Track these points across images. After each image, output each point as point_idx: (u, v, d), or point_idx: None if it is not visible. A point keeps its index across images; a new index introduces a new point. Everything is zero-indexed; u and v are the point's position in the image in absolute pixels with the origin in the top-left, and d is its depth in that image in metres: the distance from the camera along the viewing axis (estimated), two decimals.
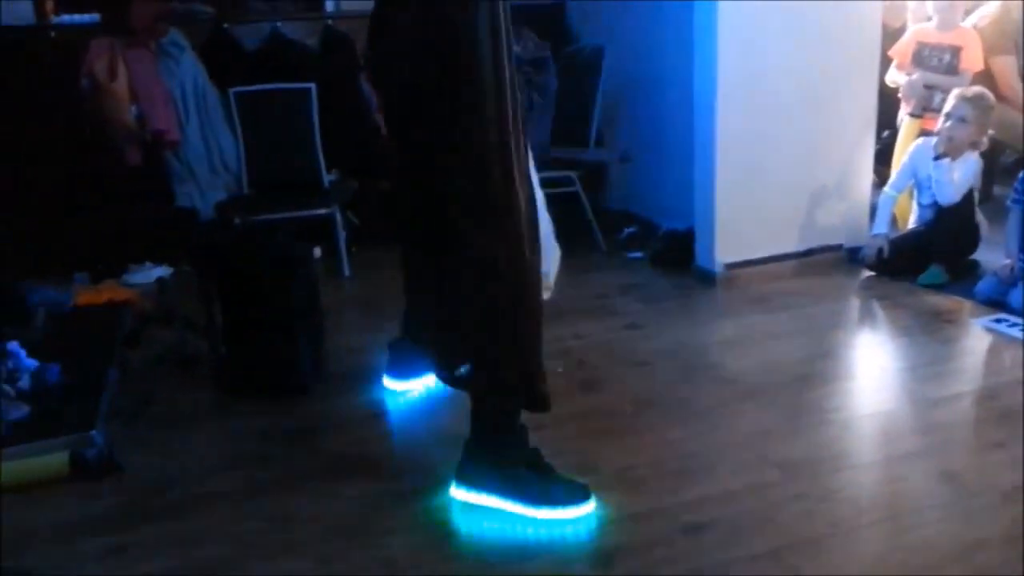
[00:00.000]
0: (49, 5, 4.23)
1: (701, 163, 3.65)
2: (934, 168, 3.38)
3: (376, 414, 2.64)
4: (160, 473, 2.31)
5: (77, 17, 4.19)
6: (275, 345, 2.75)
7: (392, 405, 2.69)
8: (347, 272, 4.04)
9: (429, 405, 2.66)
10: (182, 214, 4.10)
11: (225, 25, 4.32)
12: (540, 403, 2.04)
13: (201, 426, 2.60)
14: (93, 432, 2.35)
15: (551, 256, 2.17)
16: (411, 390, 2.74)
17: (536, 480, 2.04)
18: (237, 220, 3.80)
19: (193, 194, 4.15)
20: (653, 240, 4.16)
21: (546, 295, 2.12)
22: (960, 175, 3.28)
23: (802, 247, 3.75)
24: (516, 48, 5.03)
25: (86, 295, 3.60)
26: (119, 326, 3.17)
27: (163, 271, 4.10)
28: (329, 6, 4.69)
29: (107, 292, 3.66)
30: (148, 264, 4.13)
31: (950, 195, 3.32)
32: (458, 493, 2.10)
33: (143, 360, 3.07)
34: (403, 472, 2.27)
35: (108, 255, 4.04)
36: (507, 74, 1.88)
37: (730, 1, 3.37)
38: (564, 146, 4.33)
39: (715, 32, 3.41)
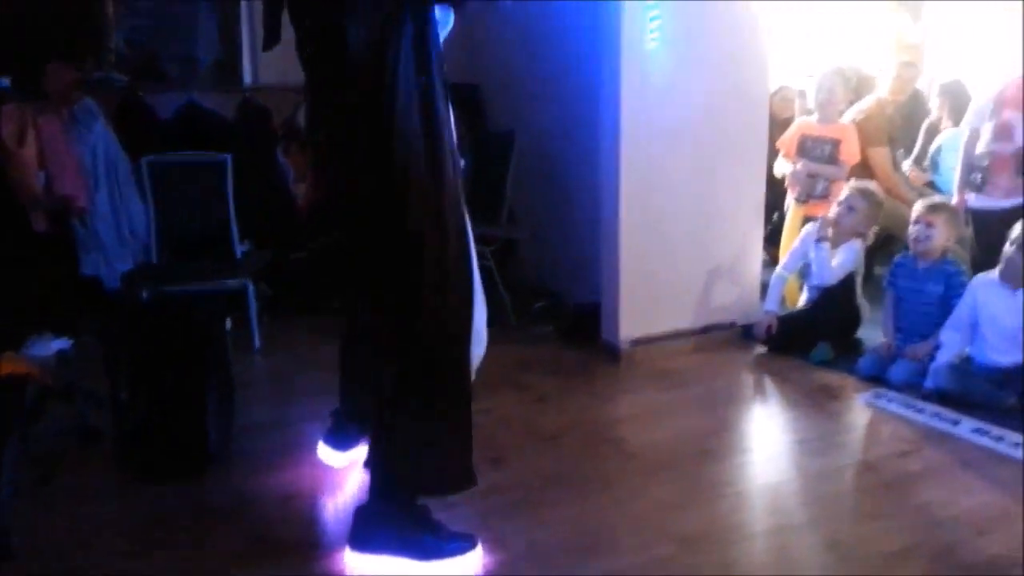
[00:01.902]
0: None
1: (606, 244, 3.84)
2: (815, 249, 3.65)
3: (288, 495, 2.59)
4: (59, 558, 2.24)
5: None
6: (184, 421, 2.71)
7: (305, 484, 2.65)
8: (258, 344, 4.02)
9: (345, 481, 2.66)
10: (86, 283, 4.02)
11: (140, 93, 4.33)
12: (466, 480, 2.12)
13: (104, 506, 2.53)
14: None
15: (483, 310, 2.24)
16: (342, 463, 2.70)
17: (428, 536, 2.12)
18: (144, 292, 3.75)
19: (99, 262, 4.09)
20: (562, 314, 4.31)
21: (481, 350, 2.22)
22: (840, 260, 3.56)
23: (700, 324, 3.96)
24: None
25: None
26: (20, 401, 3.07)
27: (63, 343, 3.98)
28: (247, 78, 4.76)
29: (6, 364, 3.53)
30: (48, 335, 4.01)
31: (827, 277, 3.58)
32: (353, 558, 2.14)
33: (43, 436, 2.98)
34: (314, 556, 2.25)
35: (7, 325, 3.91)
36: (444, 146, 1.96)
37: (632, 96, 3.61)
38: (477, 222, 4.45)
39: (619, 123, 3.64)
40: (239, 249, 4.25)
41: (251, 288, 4.01)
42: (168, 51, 4.69)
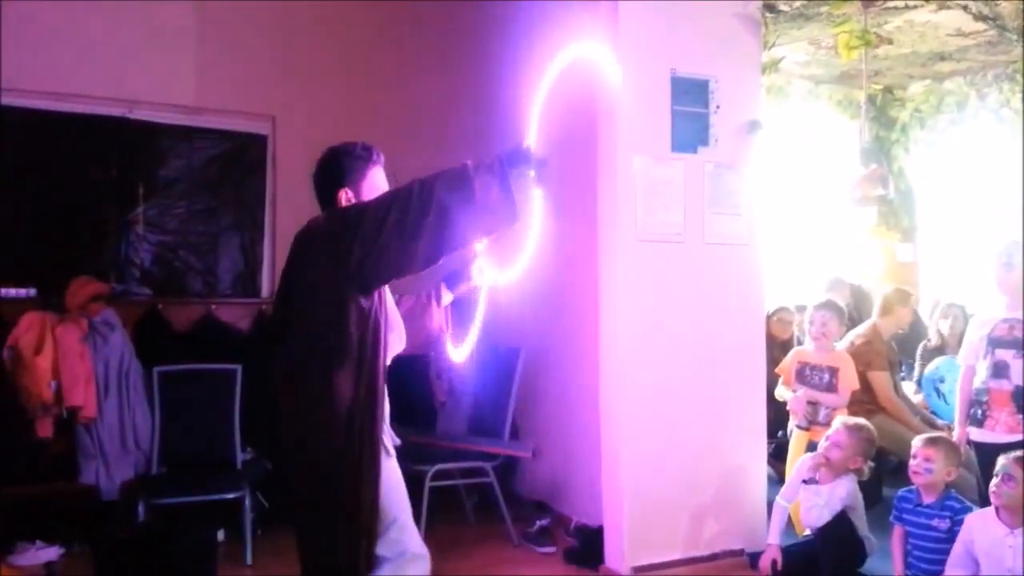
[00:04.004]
0: None
1: (608, 467, 3.83)
2: (803, 490, 3.61)
3: None
4: None
5: (13, 291, 4.30)
6: None
7: None
8: (249, 560, 3.92)
9: None
10: (83, 493, 3.99)
11: (159, 306, 4.50)
12: None
13: None
14: None
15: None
16: None
17: None
18: (140, 503, 3.73)
19: (100, 471, 4.08)
20: (564, 534, 4.22)
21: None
22: (829, 499, 3.50)
23: (706, 551, 3.86)
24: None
25: None
26: None
27: (53, 553, 3.91)
28: (264, 291, 4.97)
29: None
30: (39, 543, 3.94)
31: (815, 519, 3.51)
32: None
33: None
34: None
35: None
36: (376, 382, 2.27)
37: (633, 319, 3.75)
38: (480, 436, 4.49)
39: (621, 346, 3.74)
40: (240, 457, 4.26)
41: (247, 500, 3.98)
42: (190, 266, 4.93)
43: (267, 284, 5.00)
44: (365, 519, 2.29)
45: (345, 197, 2.42)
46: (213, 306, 4.63)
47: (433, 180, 2.23)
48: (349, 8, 5.14)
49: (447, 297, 2.68)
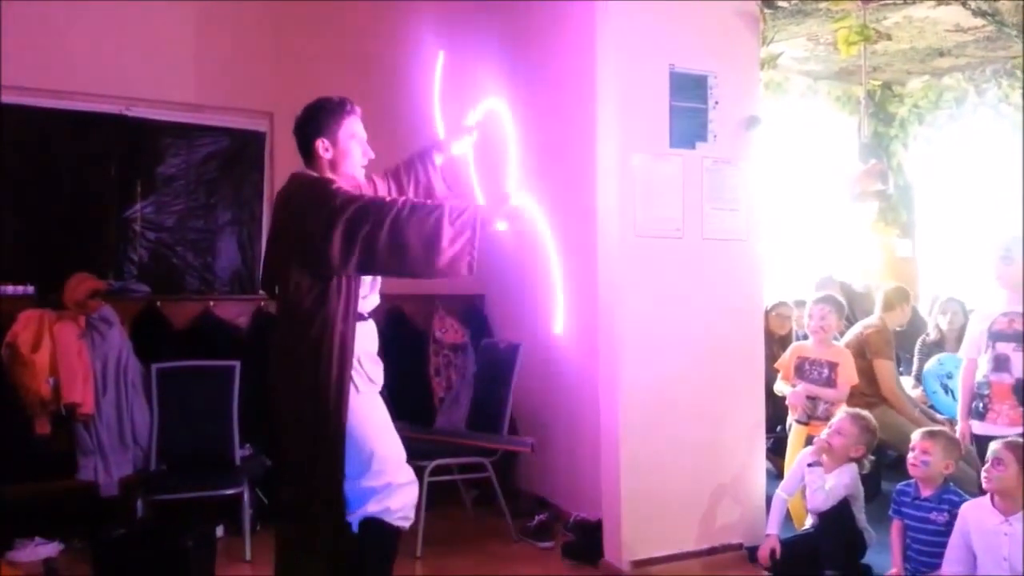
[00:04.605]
0: None
1: (607, 462, 3.83)
2: (807, 473, 3.62)
3: None
4: None
5: (11, 288, 4.30)
6: None
7: None
8: (248, 556, 3.92)
9: None
10: (81, 489, 3.99)
11: (158, 303, 4.50)
12: None
13: None
14: None
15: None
16: None
17: None
18: (139, 500, 3.73)
19: (98, 467, 4.07)
20: (563, 528, 4.22)
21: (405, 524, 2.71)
22: (832, 485, 3.51)
23: (705, 545, 3.86)
24: (437, 333, 5.32)
25: None
26: None
27: (52, 549, 3.91)
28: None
29: None
30: (38, 539, 3.94)
31: (819, 502, 3.52)
32: None
33: None
34: None
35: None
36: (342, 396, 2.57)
37: (632, 315, 3.75)
38: (479, 431, 4.49)
39: (619, 342, 3.74)
40: (239, 454, 4.25)
41: (247, 496, 3.98)
42: (188, 263, 4.93)
43: None
44: (328, 450, 2.55)
45: (322, 147, 2.70)
46: (211, 303, 4.62)
47: (408, 218, 2.48)
48: (344, 6, 5.14)
49: (439, 159, 3.05)
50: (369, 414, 2.69)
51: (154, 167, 4.87)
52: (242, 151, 5.09)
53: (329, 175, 2.70)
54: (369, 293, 2.75)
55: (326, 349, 2.54)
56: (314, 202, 2.56)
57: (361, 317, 2.69)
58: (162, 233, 4.88)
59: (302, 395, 2.57)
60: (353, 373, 2.61)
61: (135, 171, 4.83)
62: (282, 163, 5.01)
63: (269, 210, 5.04)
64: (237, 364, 4.26)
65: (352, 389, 2.60)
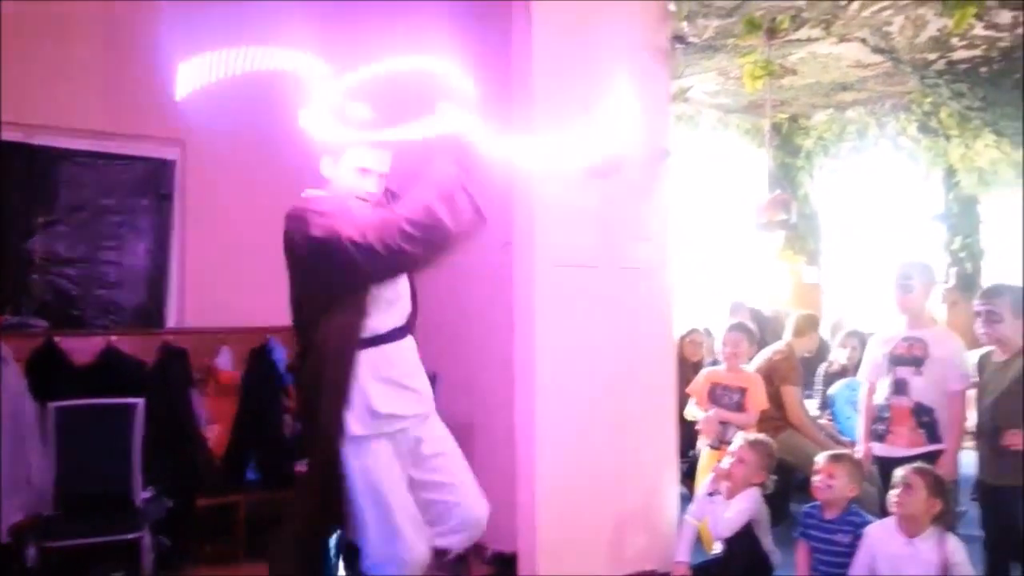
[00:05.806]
0: None
1: (523, 494, 3.81)
2: (707, 502, 3.67)
3: None
4: None
5: None
6: None
7: None
8: None
9: None
10: None
11: (56, 338, 4.30)
12: None
13: None
14: None
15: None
16: None
17: None
18: (31, 547, 3.54)
19: None
20: (480, 562, 4.17)
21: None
22: (734, 511, 3.57)
23: (619, 573, 3.87)
24: None
25: None
26: None
27: None
28: (170, 321, 4.80)
29: None
30: None
31: (720, 530, 3.58)
32: None
33: None
34: None
35: None
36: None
37: (548, 343, 3.75)
38: None
39: (533, 376, 3.75)
40: (141, 496, 4.08)
41: (147, 540, 3.81)
42: (92, 296, 4.73)
43: (174, 315, 4.84)
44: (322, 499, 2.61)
45: None
46: (113, 338, 4.43)
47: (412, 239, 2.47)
48: None
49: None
50: (363, 468, 2.64)
51: (57, 197, 4.68)
52: (152, 179, 4.94)
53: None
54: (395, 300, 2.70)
55: (326, 391, 2.57)
56: (339, 269, 2.57)
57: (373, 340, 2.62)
58: (64, 266, 4.67)
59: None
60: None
61: (36, 201, 4.63)
62: (195, 191, 4.90)
63: (180, 241, 4.90)
64: (140, 402, 4.10)
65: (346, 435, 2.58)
